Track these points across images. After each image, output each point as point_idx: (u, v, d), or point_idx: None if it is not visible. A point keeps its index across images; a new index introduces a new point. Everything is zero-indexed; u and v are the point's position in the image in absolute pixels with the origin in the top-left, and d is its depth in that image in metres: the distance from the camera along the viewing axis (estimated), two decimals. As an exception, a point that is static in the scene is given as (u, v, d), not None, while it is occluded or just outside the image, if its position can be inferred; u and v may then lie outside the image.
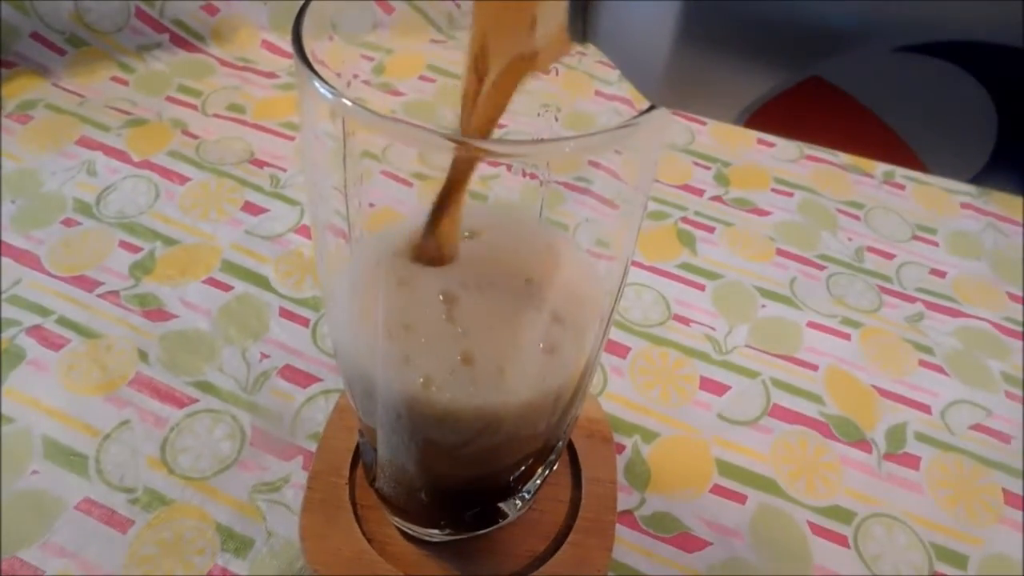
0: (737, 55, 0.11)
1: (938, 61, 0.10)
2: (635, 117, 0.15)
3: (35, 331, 0.35)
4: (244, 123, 0.48)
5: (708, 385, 0.37)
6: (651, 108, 0.15)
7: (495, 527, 0.28)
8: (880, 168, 0.53)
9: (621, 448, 0.34)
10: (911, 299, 0.43)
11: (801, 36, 0.10)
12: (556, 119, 0.26)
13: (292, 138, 0.48)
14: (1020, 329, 0.42)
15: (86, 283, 0.37)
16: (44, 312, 0.36)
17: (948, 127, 0.11)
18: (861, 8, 0.10)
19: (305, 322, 0.37)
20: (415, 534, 0.28)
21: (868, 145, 0.12)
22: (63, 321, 0.36)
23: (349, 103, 0.14)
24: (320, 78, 0.14)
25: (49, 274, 0.38)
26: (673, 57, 0.11)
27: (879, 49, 0.10)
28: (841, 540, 0.32)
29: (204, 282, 0.38)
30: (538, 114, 0.26)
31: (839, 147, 0.12)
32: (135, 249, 0.39)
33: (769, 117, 0.12)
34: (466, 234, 0.23)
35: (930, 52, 0.10)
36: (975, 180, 0.11)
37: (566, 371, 0.22)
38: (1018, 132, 0.10)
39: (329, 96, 0.14)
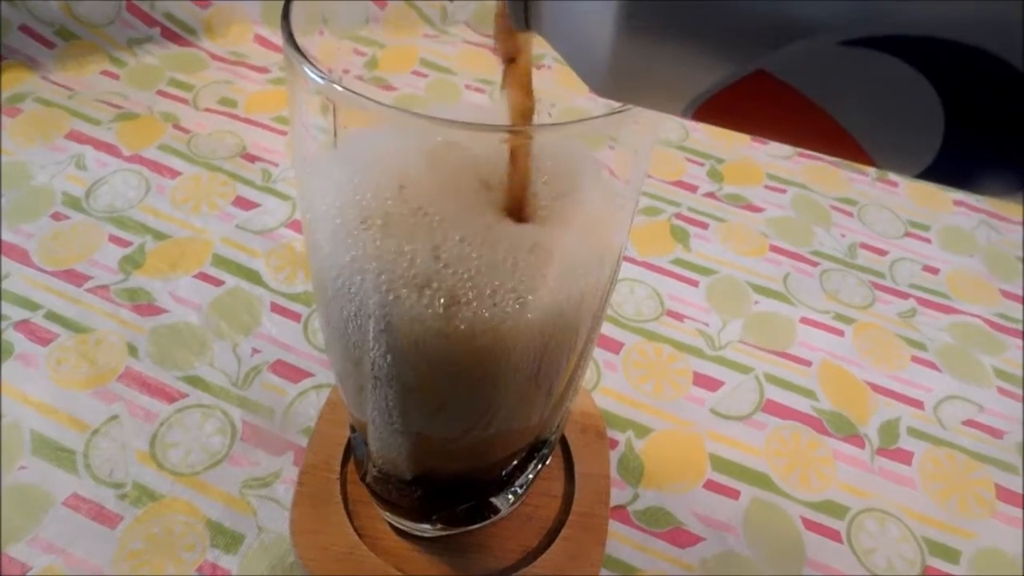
0: (681, 47, 0.11)
1: (884, 55, 0.10)
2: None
3: (23, 325, 0.35)
4: (236, 117, 0.48)
5: (701, 380, 0.37)
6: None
7: (487, 522, 0.28)
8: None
9: (614, 443, 0.33)
10: (904, 295, 0.43)
11: (746, 28, 0.10)
12: (549, 115, 0.26)
13: (284, 132, 0.47)
14: (1012, 325, 0.42)
15: (75, 277, 0.37)
16: (33, 306, 0.35)
17: (895, 122, 0.11)
18: (807, 1, 0.10)
19: (297, 317, 0.37)
20: (407, 529, 0.28)
21: (815, 139, 0.11)
22: (52, 315, 0.35)
23: (340, 88, 0.14)
24: (310, 63, 0.14)
25: (38, 268, 0.37)
26: (616, 49, 0.11)
27: (825, 42, 0.10)
28: (834, 535, 0.32)
29: (195, 276, 0.38)
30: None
31: (787, 141, 0.12)
32: (125, 243, 0.39)
33: (716, 111, 0.12)
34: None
35: (876, 46, 0.10)
36: (924, 175, 0.11)
37: (574, 301, 0.21)
38: (964, 128, 0.10)
39: (320, 81, 0.14)
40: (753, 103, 0.11)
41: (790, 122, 0.11)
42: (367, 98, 0.13)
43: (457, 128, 0.13)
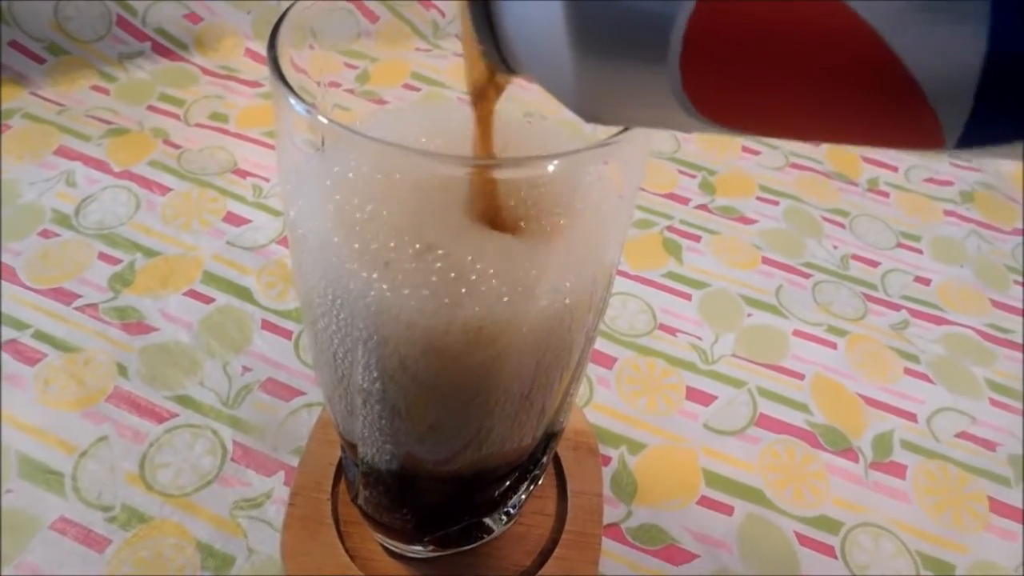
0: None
1: None
2: (618, 133, 0.15)
3: (11, 345, 0.34)
4: (227, 132, 0.48)
5: (695, 395, 0.37)
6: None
7: (480, 543, 0.28)
8: (864, 175, 0.53)
9: (607, 459, 0.33)
10: (896, 307, 0.43)
11: None
12: (529, 122, 0.26)
13: (275, 147, 0.47)
14: (1004, 336, 0.42)
15: (64, 296, 0.37)
16: (20, 326, 0.35)
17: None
18: None
19: (288, 334, 0.36)
20: (399, 551, 0.28)
21: (838, 56, 0.09)
22: (40, 335, 0.35)
23: (325, 120, 0.13)
24: (295, 94, 0.14)
25: (26, 287, 0.37)
26: (576, 52, 0.10)
27: None
28: (828, 550, 0.32)
29: (185, 294, 0.38)
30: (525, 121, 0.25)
31: (801, 86, 0.09)
32: (115, 261, 0.39)
33: (705, 50, 0.10)
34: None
35: None
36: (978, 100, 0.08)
37: (568, 324, 0.21)
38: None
39: (304, 113, 0.14)
40: (740, 25, 0.09)
41: (792, 30, 0.09)
42: (352, 130, 0.13)
43: (440, 163, 0.13)
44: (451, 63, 0.57)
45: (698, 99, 0.10)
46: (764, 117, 0.10)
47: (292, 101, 0.14)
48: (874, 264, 0.46)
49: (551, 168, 0.14)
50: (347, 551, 0.28)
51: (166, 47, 0.53)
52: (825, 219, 0.48)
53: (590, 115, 0.12)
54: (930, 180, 0.54)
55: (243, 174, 0.45)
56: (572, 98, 0.12)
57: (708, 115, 0.11)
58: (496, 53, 0.12)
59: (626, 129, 0.15)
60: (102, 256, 0.39)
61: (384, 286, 0.20)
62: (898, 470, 0.35)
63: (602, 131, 0.22)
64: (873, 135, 0.10)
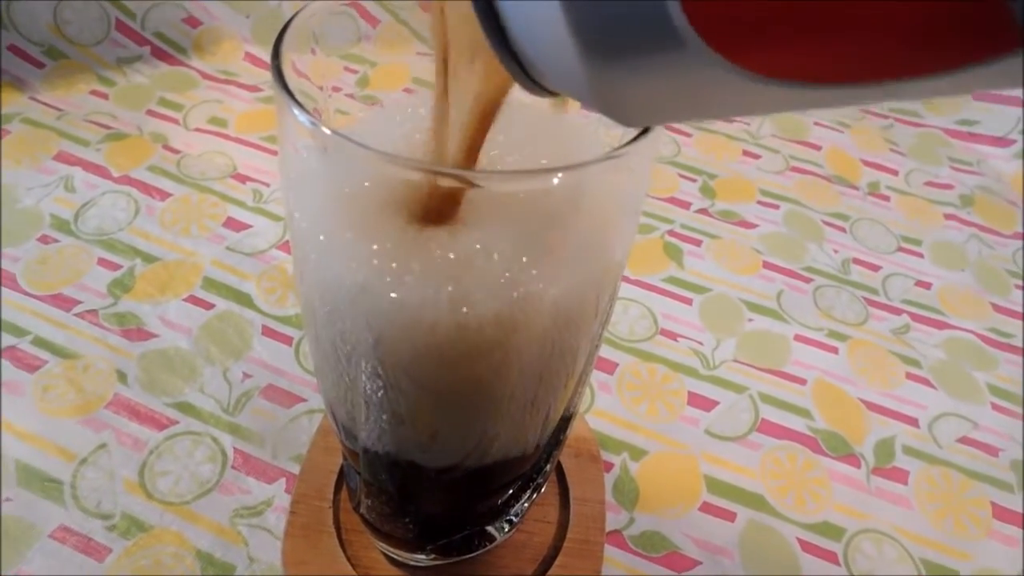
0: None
1: None
2: (622, 146, 0.15)
3: (10, 352, 0.34)
4: (226, 137, 0.48)
5: (696, 400, 0.37)
6: (645, 132, 0.15)
7: (482, 551, 0.27)
8: (865, 179, 0.53)
9: (609, 466, 0.33)
10: (897, 311, 0.43)
11: None
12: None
13: (275, 152, 0.47)
14: (1005, 340, 0.42)
15: (63, 302, 0.37)
16: (19, 332, 0.35)
17: None
18: None
19: (288, 340, 0.36)
20: (401, 559, 0.28)
21: None
22: (39, 341, 0.35)
23: (328, 132, 0.13)
24: (300, 106, 0.14)
25: (25, 292, 0.37)
26: (586, 60, 0.10)
27: None
28: (831, 557, 0.31)
29: (185, 300, 0.37)
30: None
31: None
32: (114, 266, 0.39)
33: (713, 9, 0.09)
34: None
35: None
36: None
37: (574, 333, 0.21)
38: None
39: (309, 124, 0.14)
40: None
41: None
42: (358, 143, 0.13)
43: (445, 174, 0.13)
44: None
45: (744, 58, 0.10)
46: (819, 51, 0.09)
47: (296, 111, 0.14)
48: (875, 268, 0.46)
49: (556, 180, 0.14)
50: (348, 559, 0.28)
51: (165, 51, 0.53)
52: (826, 223, 0.48)
53: (625, 119, 0.12)
54: (930, 184, 0.54)
55: (243, 179, 0.45)
56: (602, 105, 0.11)
57: (763, 71, 0.10)
58: (516, 64, 0.12)
59: (640, 135, 0.15)
60: (101, 262, 0.39)
61: (387, 291, 0.20)
62: (900, 476, 0.35)
63: (603, 131, 0.22)
64: (941, 44, 0.09)
